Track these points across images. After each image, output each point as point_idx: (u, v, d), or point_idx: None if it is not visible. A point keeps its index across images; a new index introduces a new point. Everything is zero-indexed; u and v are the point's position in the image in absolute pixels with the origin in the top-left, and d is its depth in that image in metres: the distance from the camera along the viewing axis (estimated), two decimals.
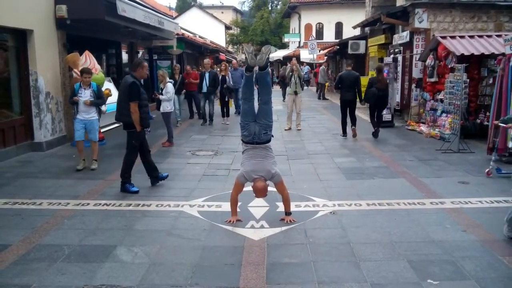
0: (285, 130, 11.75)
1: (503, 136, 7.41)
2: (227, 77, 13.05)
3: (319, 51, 26.69)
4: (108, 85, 10.73)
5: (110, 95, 10.06)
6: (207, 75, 12.63)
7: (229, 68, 14.26)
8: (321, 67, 23.23)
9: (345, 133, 10.72)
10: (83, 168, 7.37)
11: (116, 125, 12.09)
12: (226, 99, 13.09)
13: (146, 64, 6.29)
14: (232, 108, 14.16)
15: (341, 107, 10.80)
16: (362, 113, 13.64)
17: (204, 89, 12.62)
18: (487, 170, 6.79)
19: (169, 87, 9.35)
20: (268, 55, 4.87)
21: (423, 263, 3.91)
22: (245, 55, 4.86)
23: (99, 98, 7.64)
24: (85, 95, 7.39)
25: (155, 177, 6.44)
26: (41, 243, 4.38)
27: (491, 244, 4.30)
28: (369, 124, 10.95)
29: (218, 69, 14.82)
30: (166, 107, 9.38)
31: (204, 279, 3.67)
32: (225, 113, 13.06)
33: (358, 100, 10.64)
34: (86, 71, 7.51)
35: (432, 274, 3.70)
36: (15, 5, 8.02)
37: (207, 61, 13.34)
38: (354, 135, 10.35)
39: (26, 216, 5.15)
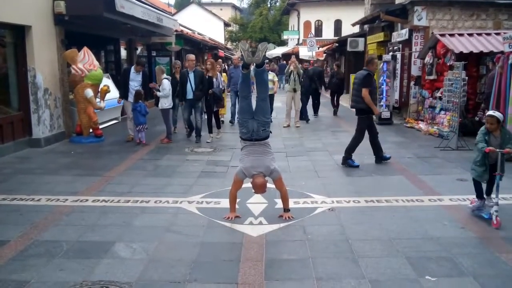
0: (284, 127, 11.75)
1: None
2: (214, 79, 9.69)
3: (318, 48, 26.68)
4: (107, 82, 10.70)
5: (109, 92, 10.05)
6: (191, 75, 9.41)
7: (229, 65, 13.66)
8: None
9: (315, 114, 14.08)
10: None
11: (115, 121, 12.09)
12: (215, 109, 9.90)
13: (376, 60, 7.19)
14: (228, 114, 12.46)
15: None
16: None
17: (189, 95, 9.45)
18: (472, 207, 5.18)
19: (165, 84, 9.30)
20: (265, 52, 4.86)
21: (421, 259, 3.92)
22: (241, 52, 4.86)
23: None
24: None
25: (380, 157, 7.48)
26: (39, 239, 4.37)
27: (489, 241, 4.31)
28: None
29: (203, 68, 10.44)
30: (164, 103, 9.35)
31: (202, 275, 3.67)
32: (212, 127, 9.86)
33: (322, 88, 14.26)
34: None
35: (430, 271, 3.71)
36: (13, 0, 7.97)
37: (191, 56, 9.85)
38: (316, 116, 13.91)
39: (25, 212, 5.15)
